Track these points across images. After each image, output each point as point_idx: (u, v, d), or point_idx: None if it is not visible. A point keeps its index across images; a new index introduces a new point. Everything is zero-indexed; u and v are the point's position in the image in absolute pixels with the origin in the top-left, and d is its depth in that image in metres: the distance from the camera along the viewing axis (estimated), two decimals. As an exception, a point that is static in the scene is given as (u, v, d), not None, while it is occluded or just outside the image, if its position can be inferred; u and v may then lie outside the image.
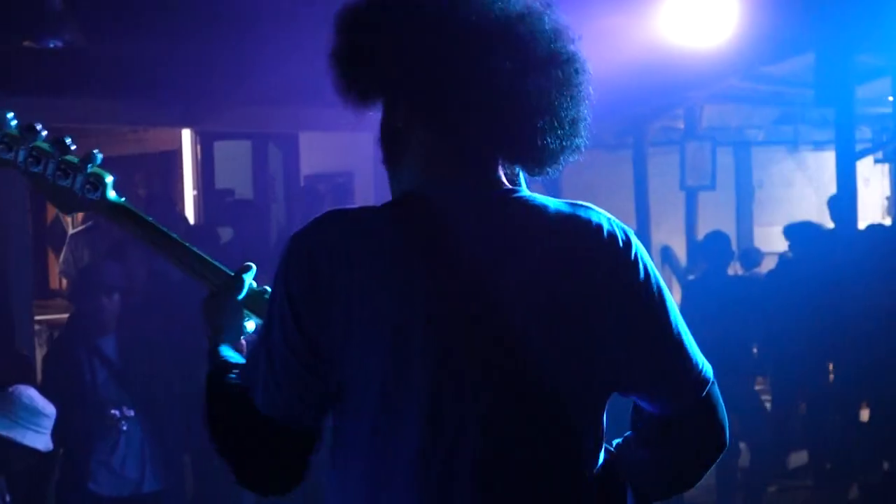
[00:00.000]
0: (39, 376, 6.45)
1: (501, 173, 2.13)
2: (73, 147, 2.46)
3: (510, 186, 2.13)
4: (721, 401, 2.18)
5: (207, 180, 9.20)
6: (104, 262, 6.23)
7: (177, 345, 6.11)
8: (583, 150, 2.13)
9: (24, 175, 2.43)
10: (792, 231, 8.08)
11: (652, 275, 2.11)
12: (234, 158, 9.71)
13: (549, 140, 2.07)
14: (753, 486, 7.43)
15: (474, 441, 1.99)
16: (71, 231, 9.07)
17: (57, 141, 2.45)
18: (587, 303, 2.04)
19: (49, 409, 4.99)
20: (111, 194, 2.46)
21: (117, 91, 7.37)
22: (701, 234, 8.69)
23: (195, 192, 9.12)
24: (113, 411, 5.88)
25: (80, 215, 10.02)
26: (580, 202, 2.13)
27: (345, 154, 9.60)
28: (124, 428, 5.90)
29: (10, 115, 2.45)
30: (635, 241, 2.11)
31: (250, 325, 2.42)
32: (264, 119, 8.71)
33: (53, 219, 10.67)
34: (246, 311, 2.41)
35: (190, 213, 9.26)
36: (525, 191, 2.13)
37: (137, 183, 9.42)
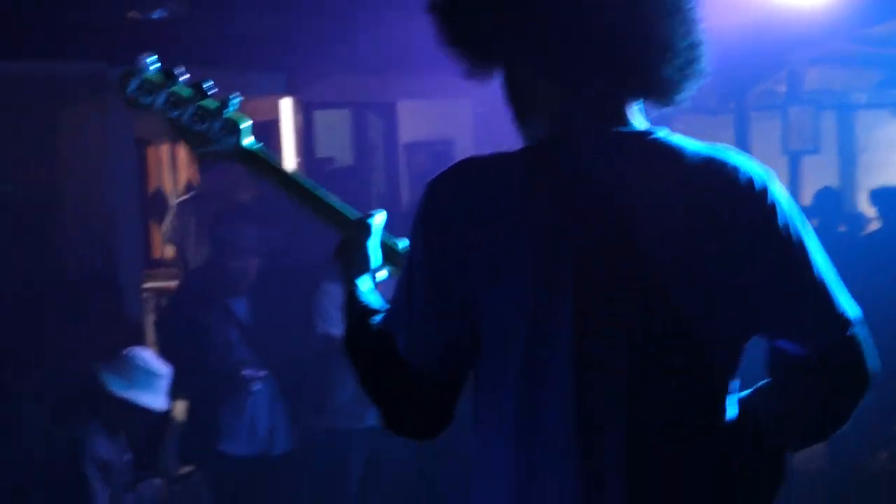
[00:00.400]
0: (150, 341, 6.53)
1: (634, 113, 2.10)
2: (212, 92, 2.47)
3: (645, 128, 2.10)
4: (869, 341, 2.13)
5: (307, 149, 9.24)
6: (245, 225, 6.27)
7: (301, 306, 6.15)
8: (706, 75, 2.09)
9: (164, 119, 2.46)
10: (879, 195, 7.83)
11: (791, 215, 2.08)
12: (334, 127, 9.73)
13: (672, 70, 2.04)
14: (862, 451, 7.28)
15: (619, 386, 1.97)
16: (176, 200, 9.13)
17: (195, 85, 2.48)
18: (726, 246, 2.01)
19: (163, 369, 5.10)
20: (246, 140, 2.48)
21: (218, 61, 7.41)
22: (804, 199, 8.53)
23: (297, 160, 9.16)
24: (245, 372, 5.93)
25: (182, 183, 10.58)
26: (718, 144, 2.11)
27: (444, 122, 9.58)
28: (256, 388, 5.96)
29: (152, 59, 2.47)
30: (774, 182, 2.08)
31: (381, 273, 2.41)
32: (363, 88, 8.66)
33: (155, 190, 10.90)
34: (380, 260, 2.40)
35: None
36: (661, 131, 2.10)
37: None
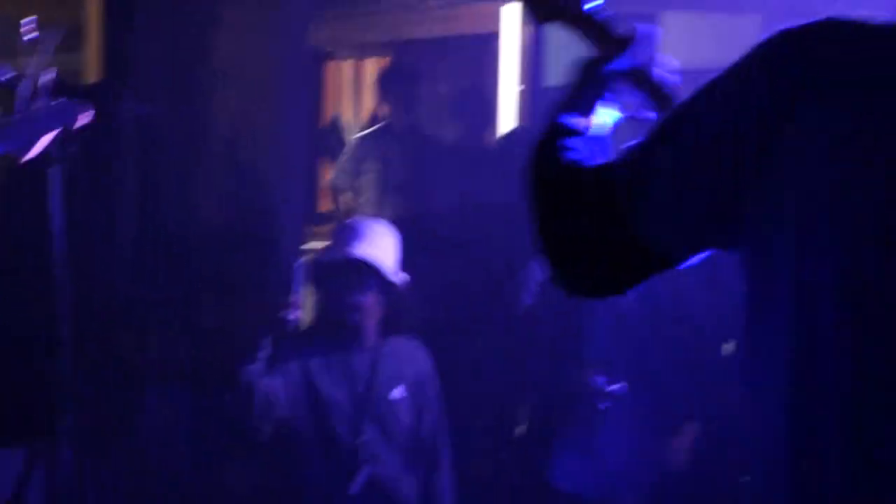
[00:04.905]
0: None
1: None
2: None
3: None
4: None
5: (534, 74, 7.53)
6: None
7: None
8: None
9: None
10: None
11: None
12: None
13: None
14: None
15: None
16: (354, 135, 7.95)
17: None
18: None
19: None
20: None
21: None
22: None
23: (521, 88, 7.44)
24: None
25: (366, 113, 9.43)
26: None
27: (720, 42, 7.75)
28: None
29: None
30: None
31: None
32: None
33: (331, 119, 9.84)
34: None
35: (511, 114, 7.73)
36: None
37: (439, 76, 8.08)
